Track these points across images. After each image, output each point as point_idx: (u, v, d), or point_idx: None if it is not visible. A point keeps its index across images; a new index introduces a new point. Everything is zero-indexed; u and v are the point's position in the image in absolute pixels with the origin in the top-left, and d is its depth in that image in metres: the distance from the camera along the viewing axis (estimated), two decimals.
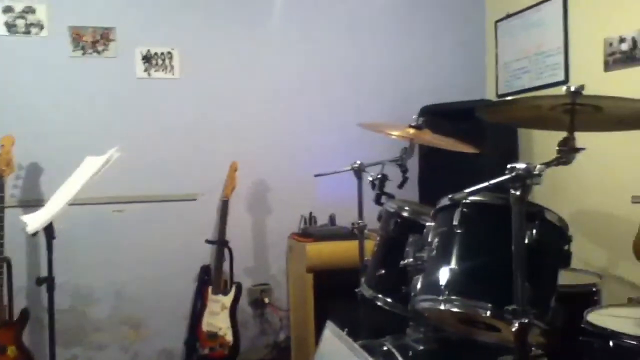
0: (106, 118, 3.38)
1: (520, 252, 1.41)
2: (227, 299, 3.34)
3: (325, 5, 3.74)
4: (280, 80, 3.66)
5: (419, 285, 1.73)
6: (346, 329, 2.02)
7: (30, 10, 3.26)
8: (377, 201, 2.36)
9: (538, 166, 1.39)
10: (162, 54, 3.45)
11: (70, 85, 3.34)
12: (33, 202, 3.13)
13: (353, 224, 2.60)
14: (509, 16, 3.70)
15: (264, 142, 3.62)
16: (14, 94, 3.24)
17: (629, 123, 1.71)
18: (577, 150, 1.50)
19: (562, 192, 3.13)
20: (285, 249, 3.65)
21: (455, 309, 1.59)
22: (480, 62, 3.97)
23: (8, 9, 3.23)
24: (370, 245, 2.44)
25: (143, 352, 3.45)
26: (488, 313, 1.53)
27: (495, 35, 3.85)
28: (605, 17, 2.98)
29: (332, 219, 3.52)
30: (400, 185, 2.37)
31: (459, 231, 1.66)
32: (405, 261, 1.88)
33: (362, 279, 2.29)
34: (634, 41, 2.81)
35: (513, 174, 1.38)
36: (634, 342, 1.63)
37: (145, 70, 3.44)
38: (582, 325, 1.77)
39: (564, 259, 1.66)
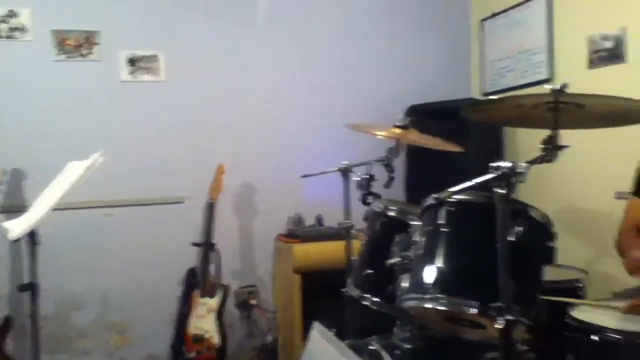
0: (91, 122, 3.35)
1: (505, 249, 1.42)
2: (214, 302, 3.32)
3: (311, 7, 3.74)
4: (266, 82, 3.65)
5: (405, 284, 1.74)
6: (333, 330, 2.02)
7: (13, 14, 3.23)
8: (364, 201, 2.36)
9: (522, 164, 1.39)
10: (146, 57, 3.43)
11: (54, 89, 3.30)
12: (16, 208, 3.07)
13: (340, 224, 2.60)
14: (494, 15, 3.72)
15: (250, 144, 3.61)
16: None
17: (611, 120, 1.73)
18: (561, 147, 1.51)
19: (546, 190, 3.15)
20: (272, 251, 3.64)
21: (441, 307, 1.60)
22: (466, 60, 3.98)
23: None
24: (357, 245, 2.44)
25: (129, 358, 3.41)
26: (474, 310, 1.54)
27: (480, 34, 3.87)
28: (589, 15, 3.01)
29: (319, 220, 3.52)
30: (387, 185, 2.37)
31: (444, 230, 1.68)
32: (392, 260, 1.89)
33: (349, 279, 2.28)
34: (618, 39, 2.84)
35: (498, 172, 1.39)
36: (619, 337, 1.65)
37: (130, 73, 3.41)
38: (567, 321, 1.78)
39: (549, 256, 1.68)
